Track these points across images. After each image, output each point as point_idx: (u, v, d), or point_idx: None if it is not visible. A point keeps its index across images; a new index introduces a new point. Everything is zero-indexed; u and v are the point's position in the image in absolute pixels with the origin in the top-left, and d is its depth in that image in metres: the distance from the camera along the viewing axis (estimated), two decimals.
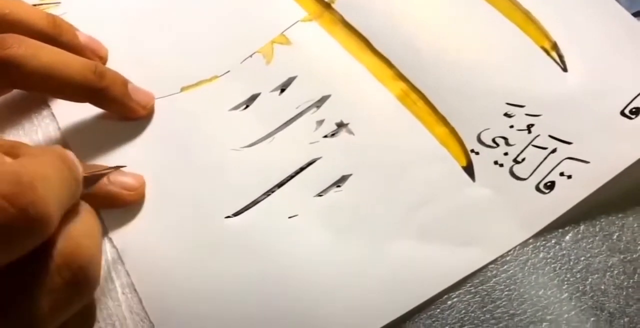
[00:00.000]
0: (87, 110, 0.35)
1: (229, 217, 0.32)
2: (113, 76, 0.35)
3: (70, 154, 0.26)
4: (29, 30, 0.34)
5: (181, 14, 0.39)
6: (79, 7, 0.40)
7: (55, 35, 0.35)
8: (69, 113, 0.36)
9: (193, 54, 0.37)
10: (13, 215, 0.21)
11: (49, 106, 0.37)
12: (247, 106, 0.35)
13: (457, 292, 0.30)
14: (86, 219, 0.25)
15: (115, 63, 0.37)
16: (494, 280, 0.30)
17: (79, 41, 0.36)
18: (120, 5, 0.40)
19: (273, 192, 0.33)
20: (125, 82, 0.35)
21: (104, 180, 0.32)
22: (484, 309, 0.29)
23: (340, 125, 0.34)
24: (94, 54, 0.37)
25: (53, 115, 0.37)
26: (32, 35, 0.33)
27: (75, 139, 0.35)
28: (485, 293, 0.30)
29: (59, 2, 0.41)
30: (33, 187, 0.21)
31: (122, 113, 0.35)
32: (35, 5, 0.40)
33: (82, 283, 0.24)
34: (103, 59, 0.38)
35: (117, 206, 0.33)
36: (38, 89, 0.34)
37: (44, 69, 0.32)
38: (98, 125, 0.36)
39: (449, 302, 0.30)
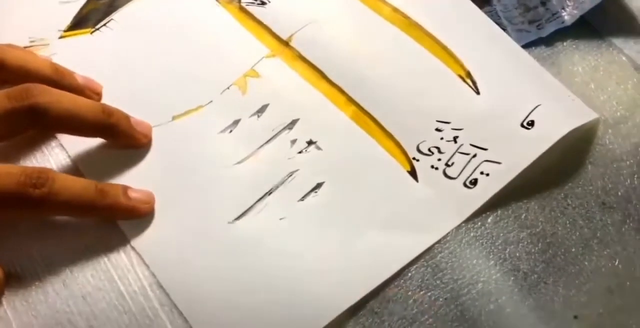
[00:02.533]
0: (92, 140, 0.42)
1: (231, 222, 0.40)
2: (119, 113, 0.40)
3: None
4: (39, 77, 0.39)
5: (160, 54, 0.45)
6: (68, 47, 0.46)
7: (58, 79, 0.41)
8: (76, 143, 0.42)
9: (178, 88, 0.44)
10: None
11: (56, 137, 0.43)
12: (231, 130, 0.43)
13: (414, 266, 0.39)
14: None
15: (110, 99, 0.43)
16: (439, 255, 0.39)
17: (78, 83, 0.42)
18: (106, 45, 0.46)
19: (264, 199, 0.41)
20: (128, 117, 0.41)
21: (123, 195, 0.39)
22: (435, 277, 0.39)
23: (310, 143, 0.42)
24: (92, 92, 0.43)
25: (62, 146, 0.42)
26: (42, 82, 0.38)
27: (86, 166, 0.41)
28: (435, 265, 0.39)
29: (48, 44, 0.46)
30: None
31: (128, 144, 0.41)
32: (25, 47, 0.46)
33: None
34: (100, 96, 0.43)
35: (135, 217, 0.40)
36: (60, 130, 0.40)
37: (65, 113, 0.37)
38: (104, 152, 0.42)
39: (409, 274, 0.39)
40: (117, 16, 0.47)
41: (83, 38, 0.46)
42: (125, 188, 0.39)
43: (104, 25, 0.47)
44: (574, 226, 0.40)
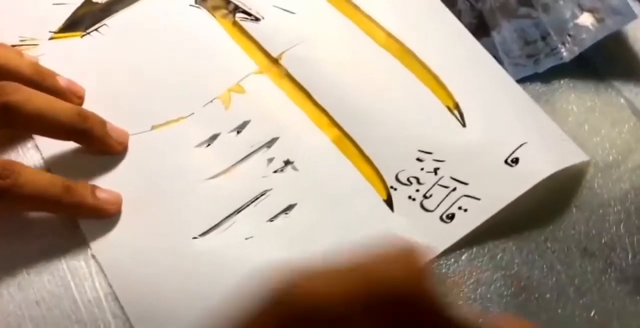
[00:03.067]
0: (67, 143, 0.41)
1: (195, 237, 0.39)
2: (94, 118, 0.40)
3: None
4: (18, 77, 0.39)
5: (149, 62, 0.45)
6: (56, 49, 0.46)
7: (39, 80, 0.40)
8: (51, 145, 0.41)
9: (162, 97, 0.43)
10: None
11: (32, 138, 0.42)
12: (209, 144, 0.42)
13: None
14: None
15: (92, 103, 0.43)
16: None
17: (60, 85, 0.42)
18: (95, 50, 0.45)
19: (233, 216, 0.40)
20: (104, 123, 0.40)
21: (91, 194, 0.38)
22: None
23: (287, 163, 0.41)
24: (74, 95, 0.42)
25: (37, 147, 0.42)
26: (21, 82, 0.38)
27: (58, 169, 0.41)
28: None
29: (37, 44, 0.46)
30: None
31: (102, 150, 0.41)
32: (14, 45, 0.46)
33: None
34: (81, 99, 0.43)
35: (101, 217, 0.39)
36: (31, 129, 0.40)
37: (36, 113, 0.37)
38: (78, 157, 0.41)
39: None
40: (110, 21, 0.47)
41: (73, 41, 0.46)
42: (93, 188, 0.39)
43: (96, 29, 0.46)
44: (551, 271, 0.39)
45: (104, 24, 0.47)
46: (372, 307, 0.20)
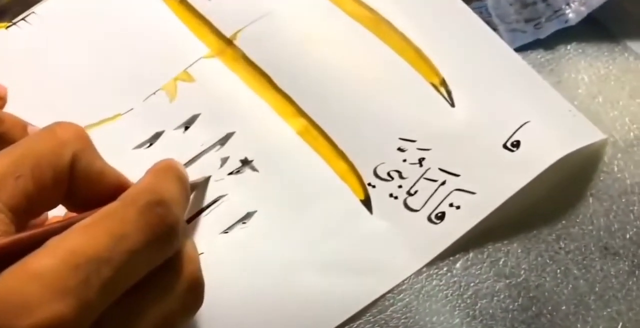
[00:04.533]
0: None
1: None
2: (11, 120, 0.35)
3: (182, 169, 0.29)
4: None
5: (83, 52, 0.39)
6: None
7: None
8: None
9: (95, 93, 0.38)
10: (164, 231, 0.24)
11: None
12: (150, 144, 0.36)
13: (357, 322, 0.32)
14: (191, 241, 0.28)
15: (17, 104, 0.37)
16: (391, 308, 0.32)
17: None
18: (20, 45, 0.40)
19: (190, 222, 0.34)
20: (24, 125, 0.35)
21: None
22: None
23: (245, 163, 0.35)
24: None
25: None
26: None
27: None
28: (384, 321, 0.32)
29: None
30: (171, 206, 0.25)
31: None
32: None
33: (199, 295, 0.27)
34: (3, 100, 0.38)
35: None
36: None
37: None
38: None
39: None
40: (39, 8, 0.41)
41: None
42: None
43: (22, 19, 0.41)
44: (566, 277, 0.33)
45: (32, 12, 0.41)
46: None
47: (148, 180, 0.27)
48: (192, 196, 0.34)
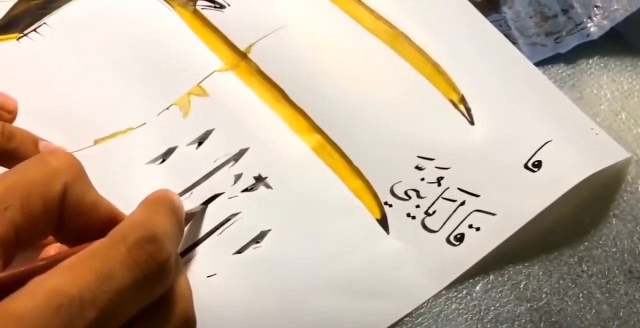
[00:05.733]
0: None
1: None
2: (22, 135, 0.34)
3: (177, 200, 0.28)
4: None
5: (95, 64, 0.38)
6: None
7: None
8: None
9: (108, 106, 0.37)
10: (154, 270, 0.23)
11: None
12: (163, 160, 0.35)
13: None
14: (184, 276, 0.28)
15: (27, 117, 0.37)
16: None
17: None
18: (31, 57, 0.39)
19: (192, 250, 0.33)
20: (35, 141, 0.34)
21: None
22: None
23: (258, 179, 0.35)
24: (3, 109, 0.36)
25: None
26: None
27: None
28: None
29: None
30: (164, 242, 0.24)
31: None
32: None
33: None
34: (13, 114, 0.37)
35: None
36: None
37: None
38: None
39: None
40: (51, 20, 0.40)
41: (8, 44, 0.40)
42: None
43: (34, 30, 0.40)
44: (589, 301, 0.32)
45: (44, 23, 0.40)
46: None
47: (139, 213, 0.25)
48: (187, 228, 0.33)
